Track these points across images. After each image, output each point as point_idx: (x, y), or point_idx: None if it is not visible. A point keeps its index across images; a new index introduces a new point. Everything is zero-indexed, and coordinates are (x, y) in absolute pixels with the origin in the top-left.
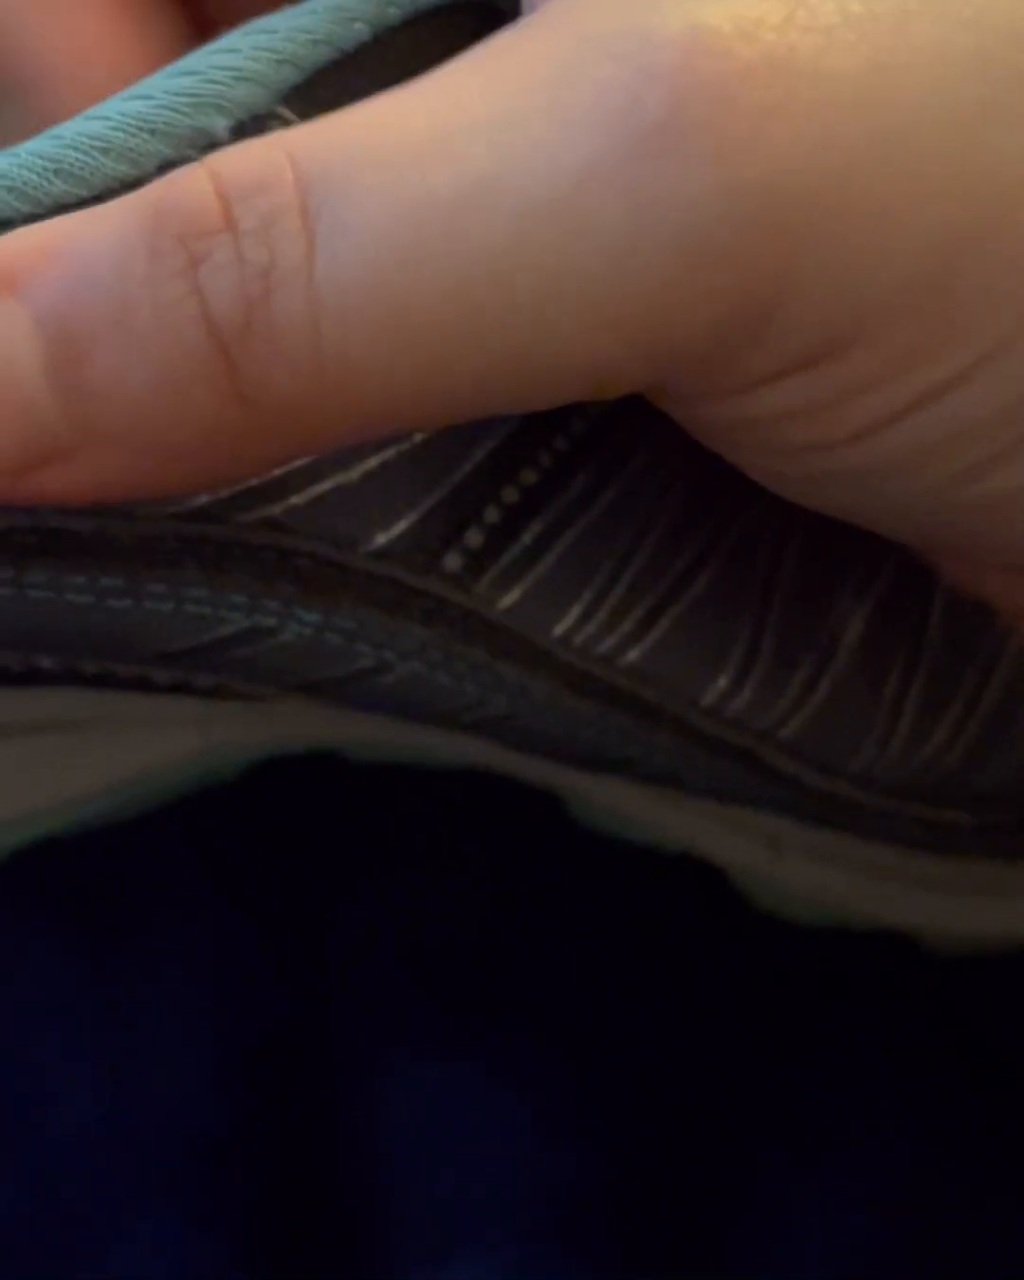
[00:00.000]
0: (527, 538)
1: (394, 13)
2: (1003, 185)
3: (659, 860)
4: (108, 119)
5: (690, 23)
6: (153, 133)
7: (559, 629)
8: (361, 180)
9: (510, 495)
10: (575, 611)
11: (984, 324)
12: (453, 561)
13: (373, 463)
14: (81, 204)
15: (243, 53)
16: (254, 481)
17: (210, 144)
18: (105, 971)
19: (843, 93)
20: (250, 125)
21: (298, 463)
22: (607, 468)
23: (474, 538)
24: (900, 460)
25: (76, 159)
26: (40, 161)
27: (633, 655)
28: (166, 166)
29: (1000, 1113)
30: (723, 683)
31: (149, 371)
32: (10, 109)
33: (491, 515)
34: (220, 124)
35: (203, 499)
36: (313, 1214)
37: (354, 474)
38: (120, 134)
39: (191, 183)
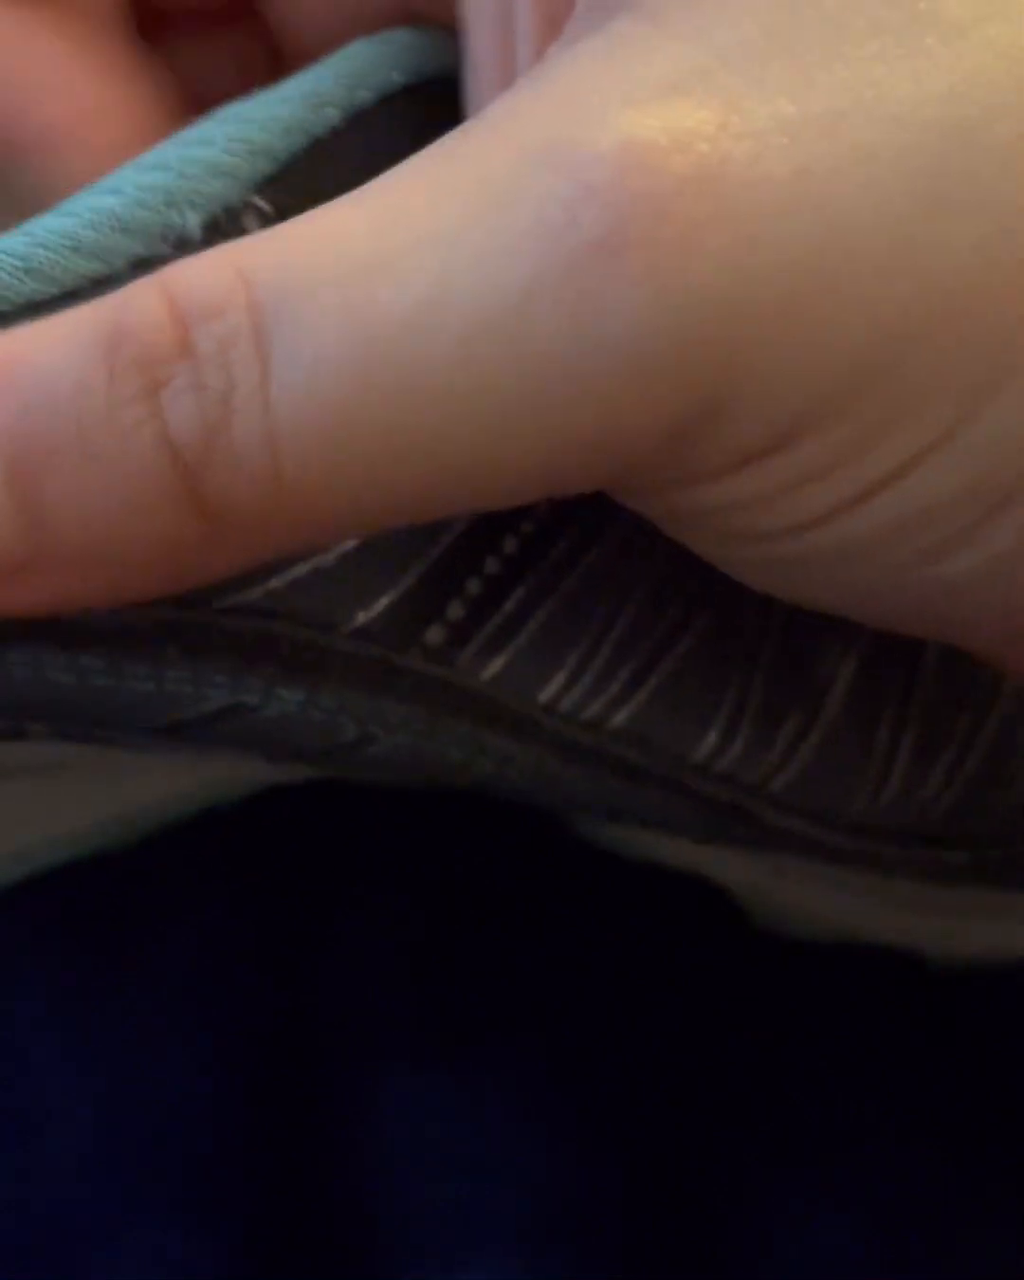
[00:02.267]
0: (509, 605)
1: (365, 96)
2: (941, 280)
3: (661, 876)
4: (78, 216)
5: (624, 137)
6: (124, 231)
7: (544, 695)
8: (311, 302)
9: (492, 565)
10: (560, 677)
11: (929, 414)
12: (435, 635)
13: (350, 544)
14: (52, 302)
15: (218, 145)
16: None
17: (181, 240)
18: (102, 985)
19: (775, 199)
20: (224, 218)
21: None
22: (588, 531)
23: (455, 610)
24: (854, 547)
25: (46, 257)
26: (10, 260)
27: (620, 718)
28: (138, 264)
29: (1003, 1125)
30: (713, 738)
31: (109, 492)
32: (15, 172)
33: (474, 587)
34: (192, 219)
35: None
36: (311, 1226)
37: (331, 556)
38: (91, 232)
39: (146, 304)
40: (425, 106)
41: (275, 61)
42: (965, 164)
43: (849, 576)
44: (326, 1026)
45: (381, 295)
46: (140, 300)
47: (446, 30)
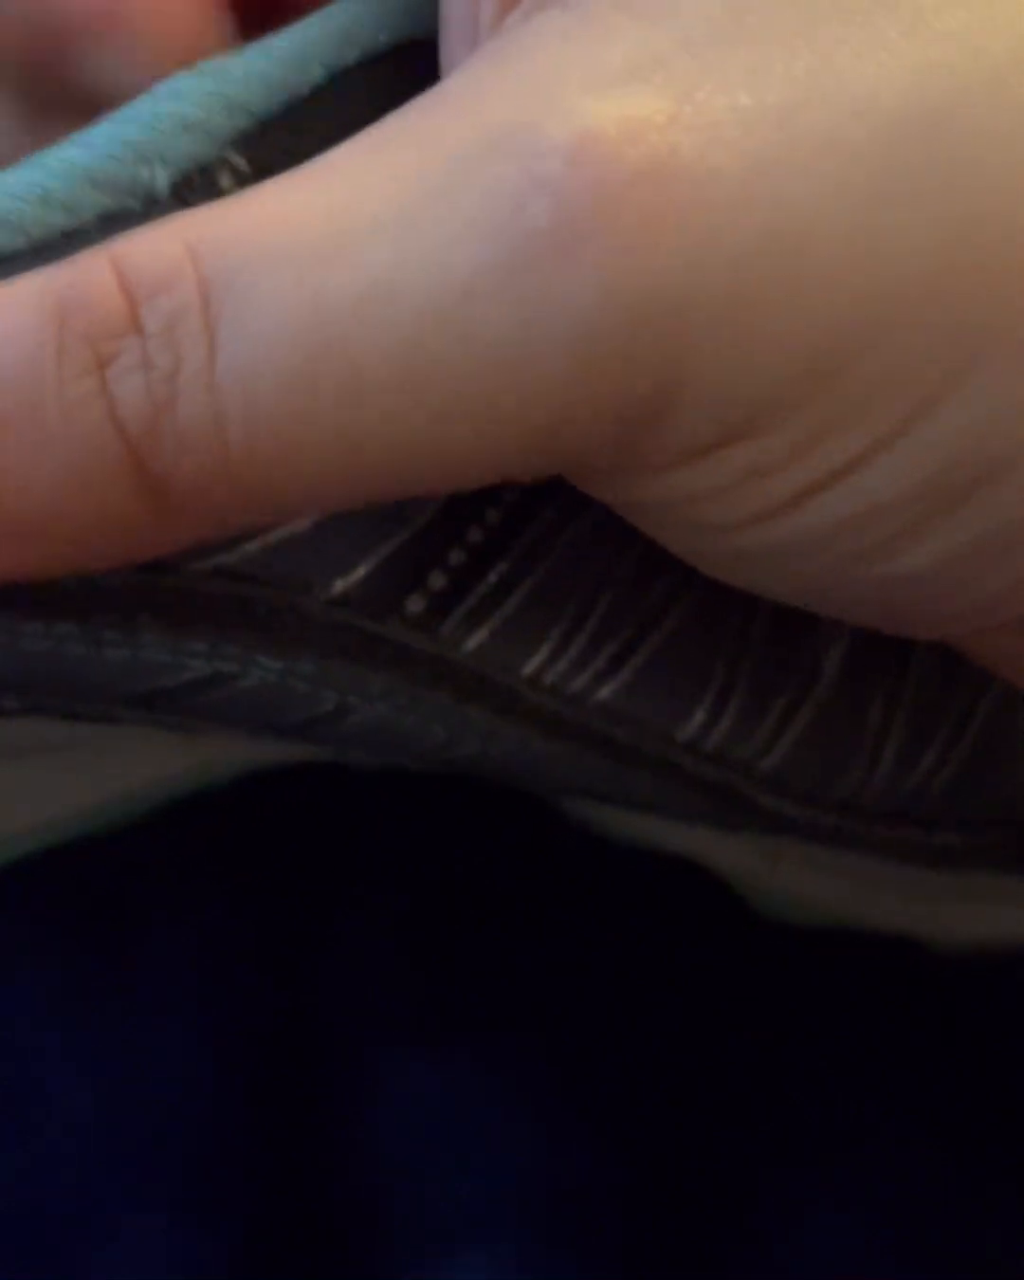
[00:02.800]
0: (492, 577)
1: (350, 54)
2: (897, 276)
3: (657, 862)
4: (48, 167)
5: (576, 127)
6: (93, 184)
7: (528, 669)
8: (261, 281)
9: (475, 536)
10: (544, 650)
11: (881, 411)
12: (415, 604)
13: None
14: (21, 255)
15: (191, 99)
16: None
17: (149, 196)
18: (101, 972)
19: (727, 193)
20: (196, 175)
21: None
22: (570, 504)
23: (437, 580)
24: (807, 540)
25: (16, 208)
26: None
27: (605, 693)
28: (106, 218)
29: (1007, 1114)
30: (700, 716)
31: (56, 466)
32: (63, 64)
33: (456, 557)
34: (161, 175)
35: None
36: (310, 1214)
37: (307, 522)
38: (60, 183)
39: (95, 277)
40: (412, 67)
41: None
42: (925, 158)
43: (802, 569)
44: (325, 1021)
45: (332, 278)
46: (91, 273)
47: None
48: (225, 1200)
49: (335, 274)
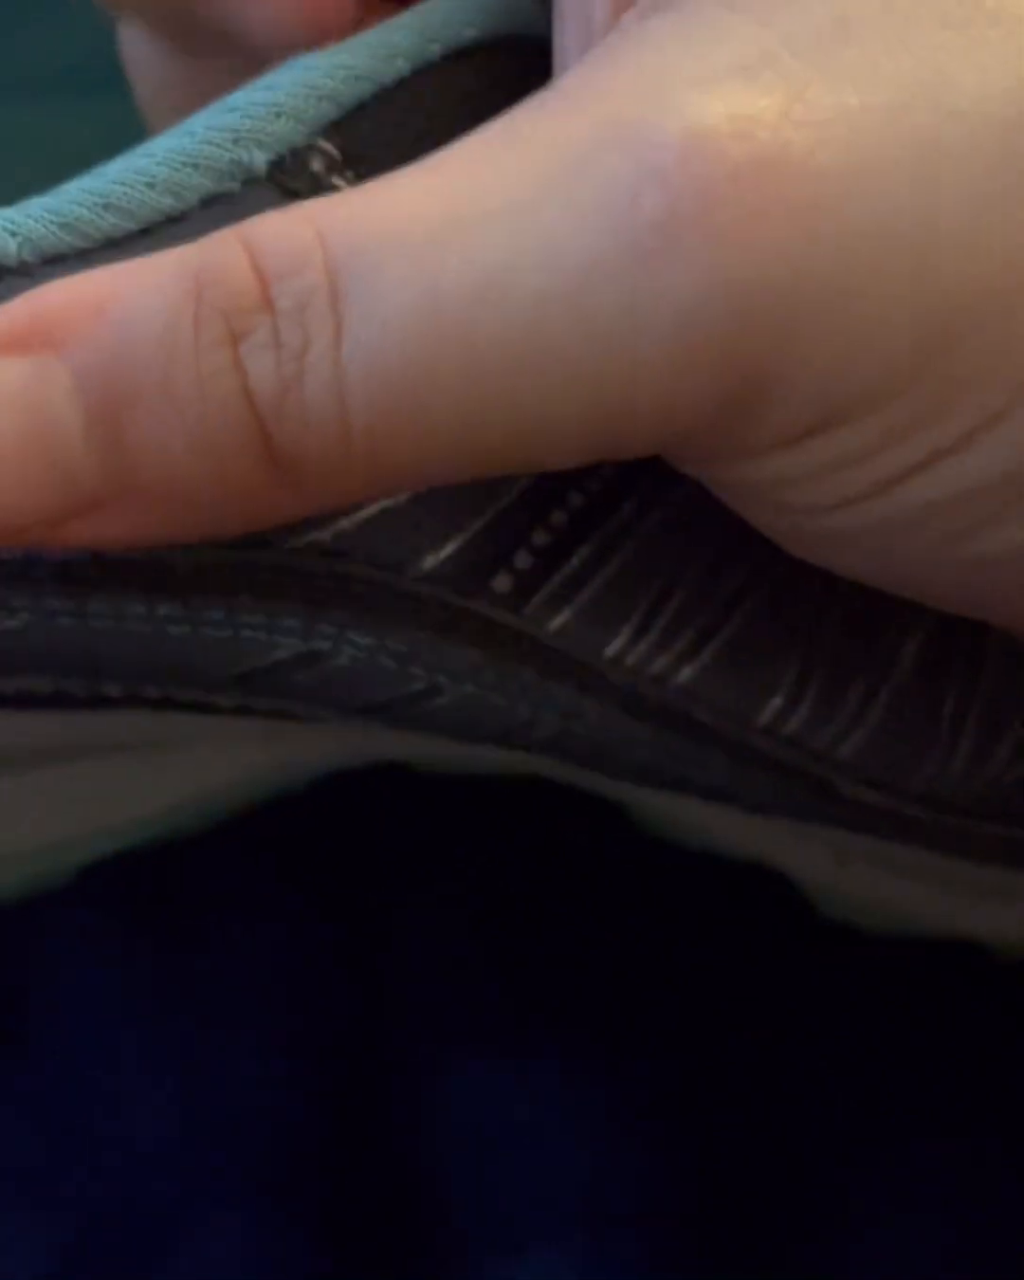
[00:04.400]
0: (575, 560)
1: (435, 49)
2: (995, 272)
3: (725, 866)
4: (152, 155)
5: (688, 122)
6: (195, 167)
7: (610, 650)
8: (384, 267)
9: (558, 518)
10: (625, 632)
11: (975, 402)
12: (502, 583)
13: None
14: (129, 238)
15: (282, 90)
16: None
17: (249, 176)
18: (180, 977)
19: (831, 190)
20: (289, 159)
21: None
22: (653, 491)
23: (523, 560)
24: (897, 522)
25: (123, 193)
26: (89, 197)
27: (685, 675)
28: (208, 200)
29: None
30: (778, 702)
31: (187, 435)
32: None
33: (540, 538)
34: (259, 158)
35: None
36: (387, 1211)
37: (402, 498)
38: (164, 169)
39: (229, 256)
40: (499, 63)
41: None
42: None
43: (889, 551)
44: (397, 1018)
45: (452, 263)
46: (224, 252)
47: None
48: (301, 1190)
49: (455, 261)
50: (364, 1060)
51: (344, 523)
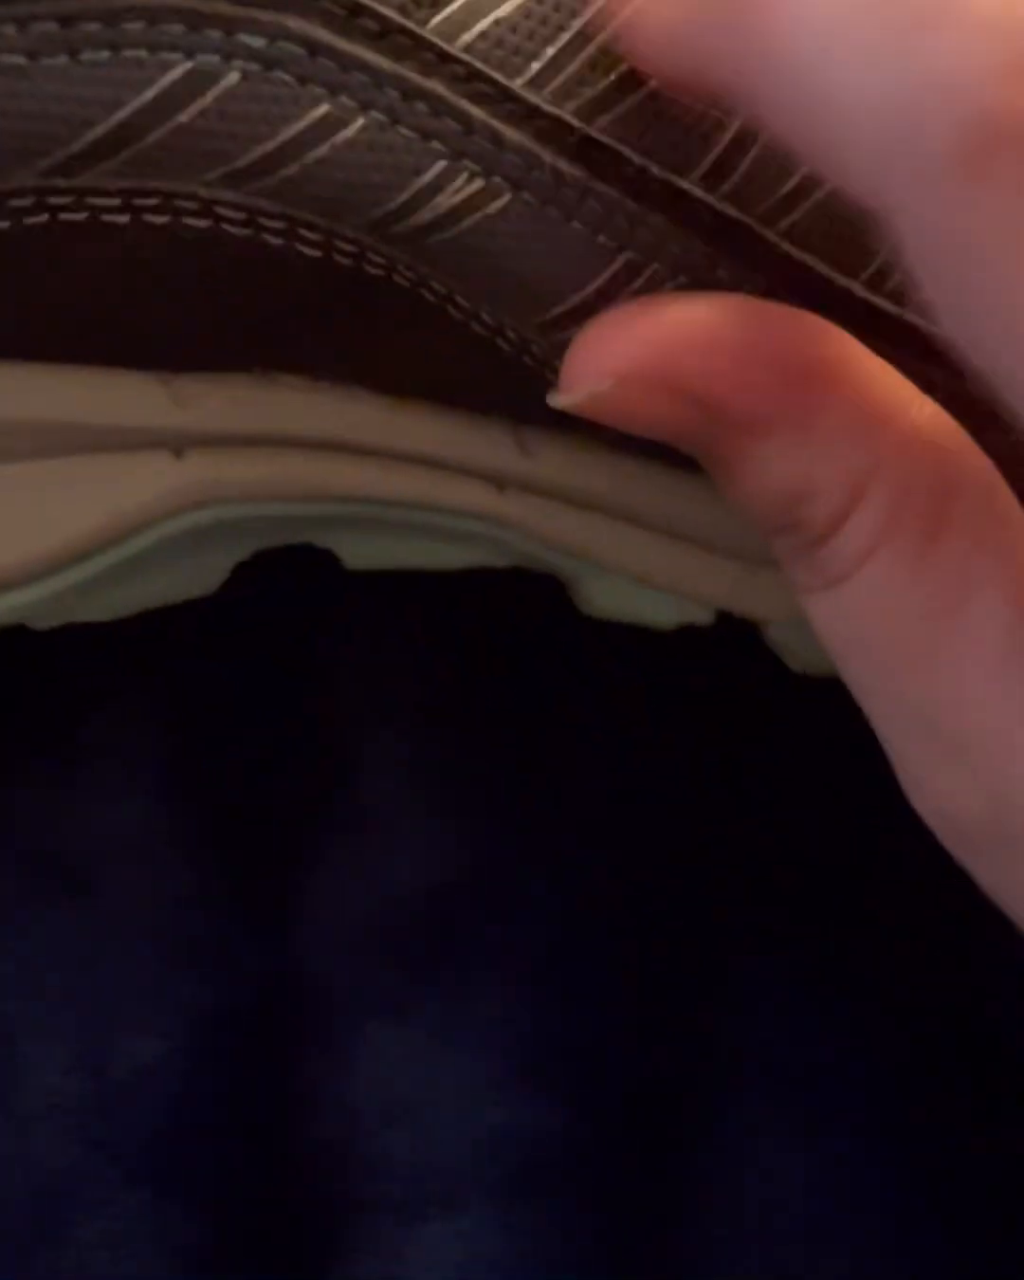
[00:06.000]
0: None
1: None
2: None
3: (679, 646)
4: None
5: None
6: None
7: (525, 75)
8: None
9: None
10: (543, 59)
11: None
12: None
13: None
14: None
15: None
16: None
17: None
18: (75, 936)
19: None
20: None
21: None
22: None
23: None
24: None
25: None
26: None
27: (605, 120)
28: None
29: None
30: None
31: None
32: None
33: None
34: None
35: None
36: (285, 1181)
37: None
38: None
39: None
40: None
41: None
42: None
43: None
44: (296, 971)
45: None
46: None
47: None
48: (199, 1167)
49: None
50: (262, 1024)
51: None
